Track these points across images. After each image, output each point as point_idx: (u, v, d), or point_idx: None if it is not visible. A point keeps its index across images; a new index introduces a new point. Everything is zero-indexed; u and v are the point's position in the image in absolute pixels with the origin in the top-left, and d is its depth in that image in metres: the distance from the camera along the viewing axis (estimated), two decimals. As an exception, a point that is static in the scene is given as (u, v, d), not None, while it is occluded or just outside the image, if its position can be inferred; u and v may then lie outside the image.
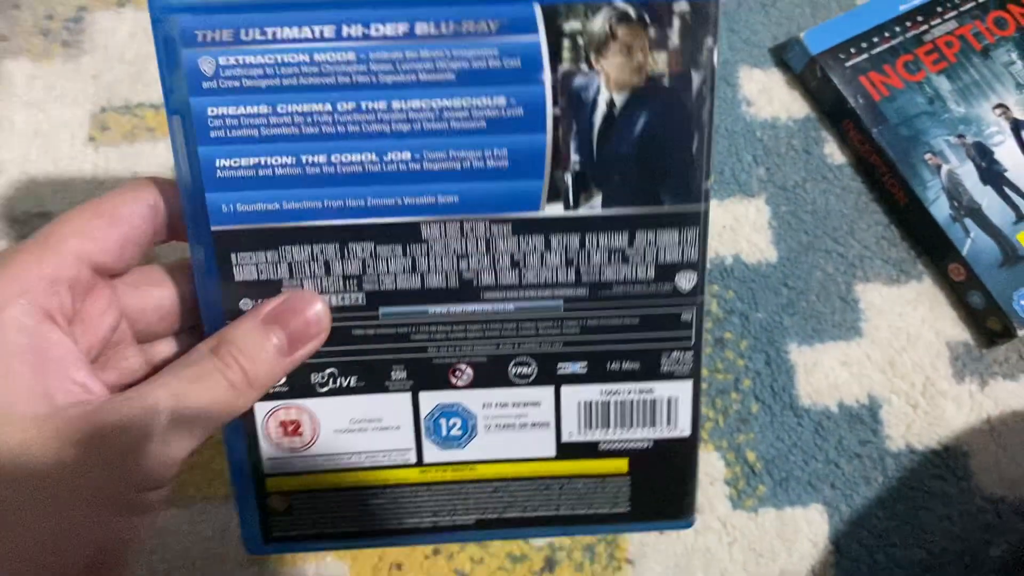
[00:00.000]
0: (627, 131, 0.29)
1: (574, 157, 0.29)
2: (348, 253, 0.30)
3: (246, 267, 0.29)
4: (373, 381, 0.31)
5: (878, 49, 0.51)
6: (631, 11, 0.28)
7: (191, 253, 0.29)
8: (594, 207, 0.29)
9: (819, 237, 0.49)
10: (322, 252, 0.29)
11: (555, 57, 0.28)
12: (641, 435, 0.32)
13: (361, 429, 0.32)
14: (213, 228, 0.29)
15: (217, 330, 0.28)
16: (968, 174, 0.48)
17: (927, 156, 0.49)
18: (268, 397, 0.31)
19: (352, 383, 0.31)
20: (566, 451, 0.32)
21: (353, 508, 0.32)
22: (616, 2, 0.28)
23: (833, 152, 0.51)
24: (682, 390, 0.32)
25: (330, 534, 0.33)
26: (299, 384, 0.31)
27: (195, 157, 0.28)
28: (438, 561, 0.43)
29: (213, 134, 0.28)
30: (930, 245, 0.49)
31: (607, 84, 0.28)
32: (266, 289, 0.30)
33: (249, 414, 0.31)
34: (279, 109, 0.28)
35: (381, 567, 0.42)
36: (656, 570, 0.43)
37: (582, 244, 0.30)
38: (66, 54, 0.49)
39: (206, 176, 0.28)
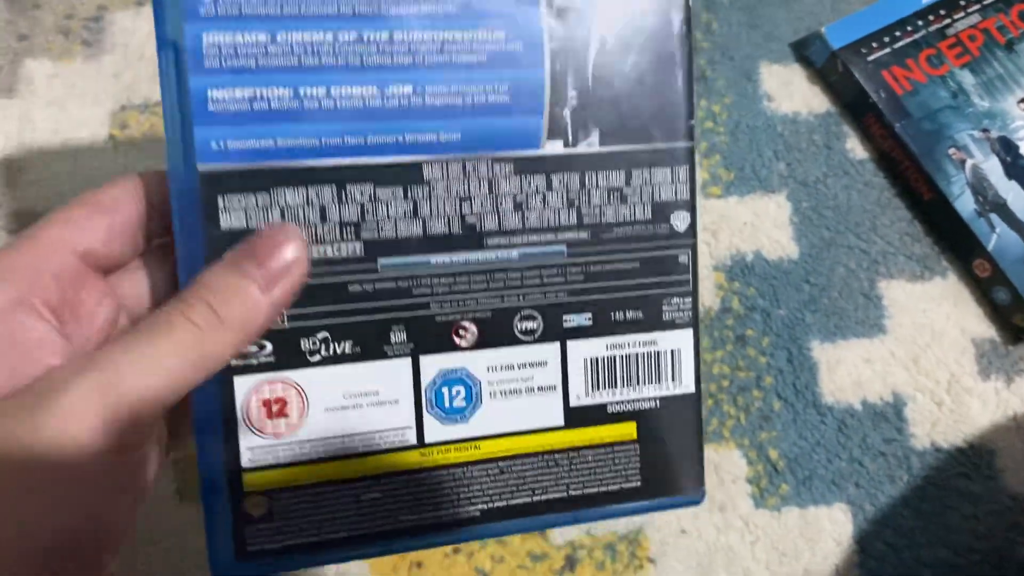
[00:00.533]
0: (618, 68, 0.30)
1: (571, 93, 0.29)
2: (346, 197, 0.28)
3: (234, 212, 0.27)
4: (371, 345, 0.29)
5: (900, 43, 0.51)
6: None
7: (171, 201, 0.27)
8: (592, 144, 0.30)
9: (841, 233, 0.49)
10: (318, 195, 0.28)
11: None
12: (648, 393, 0.31)
13: (356, 406, 0.29)
14: (200, 167, 0.27)
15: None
16: (993, 169, 0.48)
17: (951, 151, 0.48)
18: (251, 369, 0.28)
19: (347, 349, 0.28)
20: (575, 418, 0.31)
21: (344, 507, 0.29)
22: None
23: (855, 147, 0.50)
24: (684, 341, 0.31)
25: (316, 544, 0.29)
26: (287, 353, 0.28)
27: (185, 89, 0.26)
28: (458, 559, 0.42)
29: (207, 64, 0.26)
30: (954, 241, 0.48)
31: (599, 22, 0.29)
32: None
33: (227, 392, 0.28)
34: (278, 38, 0.27)
35: (401, 566, 0.42)
36: (678, 569, 0.43)
37: (582, 183, 0.30)
38: (86, 53, 0.49)
39: (196, 109, 0.26)
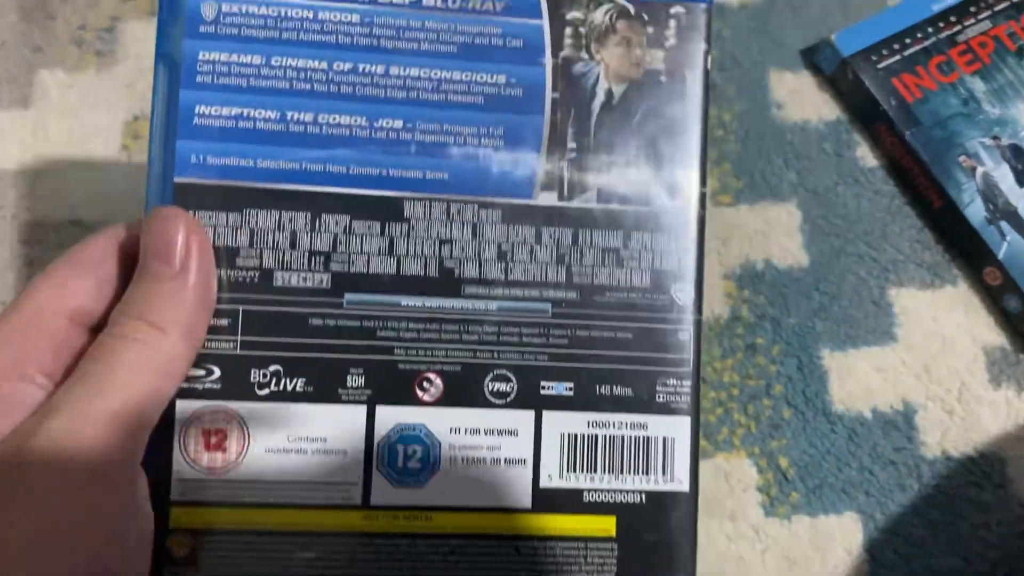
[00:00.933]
0: (624, 123, 0.28)
1: (571, 144, 0.28)
2: (319, 225, 0.27)
3: (204, 229, 0.27)
4: (325, 386, 0.27)
5: (910, 50, 0.50)
6: (631, 8, 0.28)
7: (144, 211, 0.26)
8: (589, 200, 0.28)
9: (851, 241, 0.49)
10: (291, 221, 0.27)
11: (557, 43, 0.28)
12: (632, 485, 0.28)
13: (300, 451, 0.27)
14: (176, 179, 0.26)
15: None
16: (1004, 176, 0.48)
17: (961, 158, 0.48)
18: (194, 394, 0.26)
19: (299, 387, 0.27)
20: (544, 501, 0.27)
21: (275, 561, 0.26)
22: None
23: (865, 155, 0.50)
24: (679, 430, 0.28)
25: None
26: (234, 382, 0.26)
27: (175, 101, 0.26)
28: None
29: (199, 79, 0.27)
30: (965, 249, 0.48)
31: (606, 74, 0.28)
32: (219, 258, 0.27)
33: (167, 414, 0.26)
34: (273, 61, 0.27)
35: None
36: (688, 577, 0.43)
37: (575, 240, 0.28)
38: (99, 63, 0.49)
39: (182, 122, 0.26)
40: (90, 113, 0.48)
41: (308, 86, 0.27)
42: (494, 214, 0.28)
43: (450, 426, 0.27)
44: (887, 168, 0.50)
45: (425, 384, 0.27)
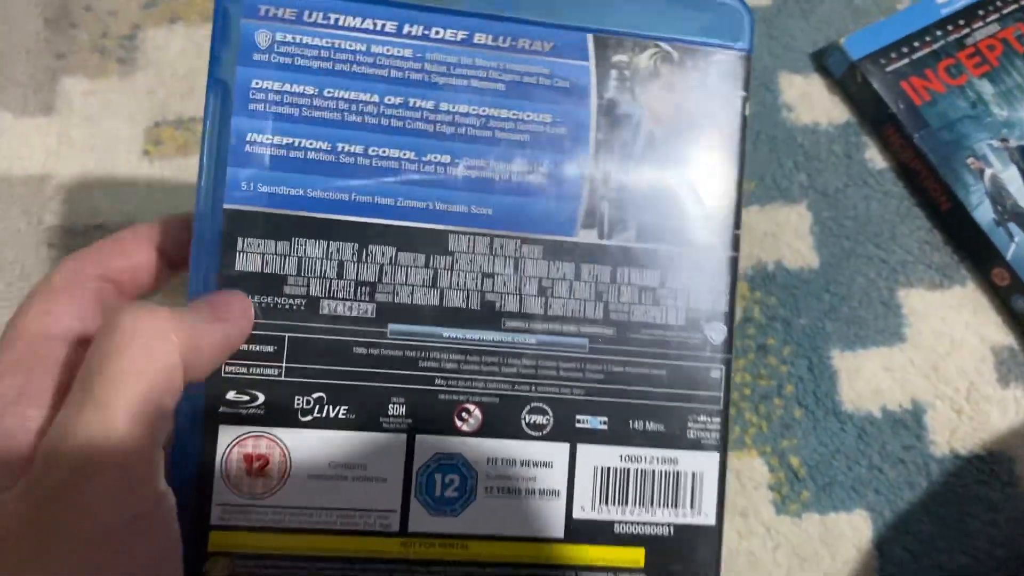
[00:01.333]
0: (665, 166, 0.29)
1: (613, 184, 0.29)
2: (366, 256, 0.27)
3: (251, 255, 0.27)
4: (367, 415, 0.27)
5: (919, 53, 0.51)
6: (674, 53, 0.29)
7: (193, 238, 0.27)
8: (628, 239, 0.29)
9: (861, 243, 0.49)
10: (338, 251, 0.27)
11: (602, 84, 0.29)
12: (661, 518, 0.29)
13: (340, 477, 0.27)
14: (226, 205, 0.27)
15: None
16: (1012, 178, 0.48)
17: (970, 160, 0.49)
18: (238, 420, 0.26)
19: (342, 414, 0.27)
20: (577, 532, 0.28)
21: None
22: (662, 43, 0.29)
23: (874, 157, 0.51)
24: (708, 465, 0.29)
25: None
26: (277, 408, 0.27)
27: (226, 127, 0.27)
28: None
29: (251, 107, 0.27)
30: (973, 250, 0.49)
31: (649, 116, 0.29)
32: (267, 285, 0.27)
33: (210, 439, 0.26)
34: (325, 92, 0.27)
35: None
36: (701, 574, 0.44)
37: (613, 278, 0.29)
38: (121, 71, 0.50)
39: (234, 149, 0.27)
40: (112, 119, 0.49)
41: (359, 118, 0.27)
42: (536, 250, 0.28)
43: (487, 457, 0.28)
44: (896, 170, 0.51)
45: (464, 415, 0.28)
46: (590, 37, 0.29)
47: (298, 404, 0.27)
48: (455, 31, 0.28)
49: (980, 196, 0.48)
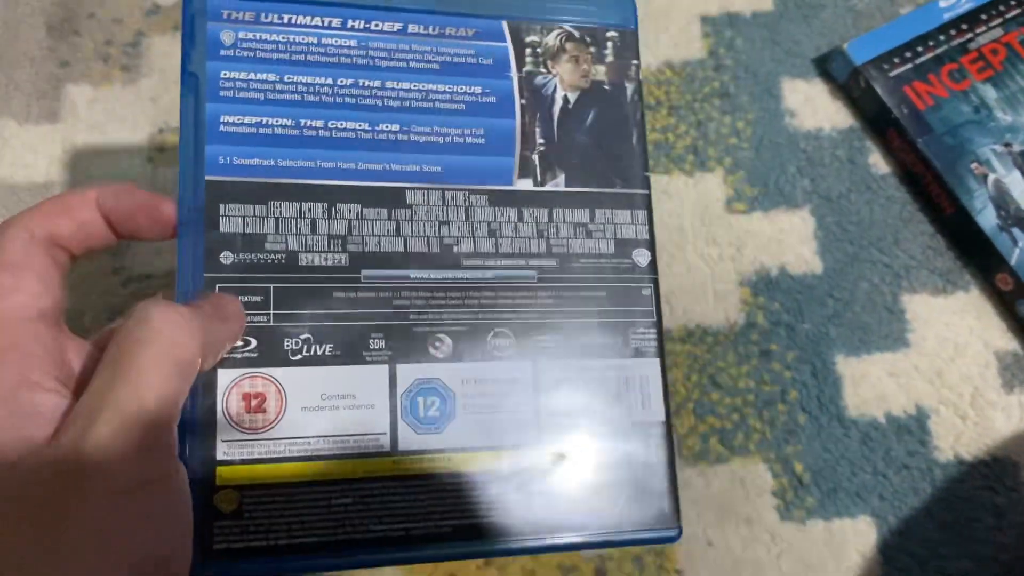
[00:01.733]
0: (579, 122, 0.34)
1: (539, 140, 0.34)
2: (335, 213, 0.31)
3: (233, 219, 0.30)
4: (350, 350, 0.30)
5: (922, 58, 0.51)
6: (575, 32, 0.35)
7: (179, 208, 0.29)
8: (558, 184, 0.34)
9: (864, 248, 0.49)
10: (310, 210, 0.31)
11: (520, 60, 0.34)
12: (631, 417, 0.32)
13: (332, 407, 0.30)
14: (207, 177, 0.30)
15: (192, 285, 0.29)
16: (1015, 183, 0.48)
17: (973, 165, 0.49)
18: (234, 364, 0.29)
19: (328, 351, 0.30)
20: (547, 438, 0.31)
21: (315, 510, 0.29)
22: (565, 25, 0.35)
23: (878, 162, 0.51)
24: (652, 370, 0.33)
25: (283, 547, 0.28)
26: (270, 350, 0.29)
27: (202, 112, 0.30)
28: (489, 572, 0.43)
29: (222, 93, 0.31)
30: (977, 255, 0.49)
31: (561, 84, 0.34)
32: (248, 243, 0.30)
33: (209, 383, 0.29)
34: (285, 79, 0.32)
35: (437, 574, 0.43)
36: (705, 580, 0.44)
37: (550, 218, 0.33)
38: (125, 78, 0.50)
39: (209, 130, 0.30)
40: (116, 127, 0.49)
41: (317, 98, 0.32)
42: (482, 199, 0.33)
43: (462, 378, 0.31)
44: (899, 175, 0.51)
45: (437, 343, 0.31)
46: (505, 23, 0.34)
47: (288, 345, 0.30)
48: (391, 23, 0.33)
49: (984, 201, 0.48)
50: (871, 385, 0.47)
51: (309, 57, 0.32)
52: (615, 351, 0.33)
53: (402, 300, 0.31)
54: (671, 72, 0.53)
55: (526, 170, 0.33)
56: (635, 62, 0.36)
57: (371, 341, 0.30)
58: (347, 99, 0.32)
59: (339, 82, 0.32)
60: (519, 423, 0.31)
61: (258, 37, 0.32)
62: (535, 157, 0.34)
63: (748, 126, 0.52)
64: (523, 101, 0.34)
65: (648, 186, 0.35)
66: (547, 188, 0.33)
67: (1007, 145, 0.49)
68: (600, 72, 0.35)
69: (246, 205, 0.30)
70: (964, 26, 0.52)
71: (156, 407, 0.23)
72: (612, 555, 0.44)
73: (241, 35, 0.31)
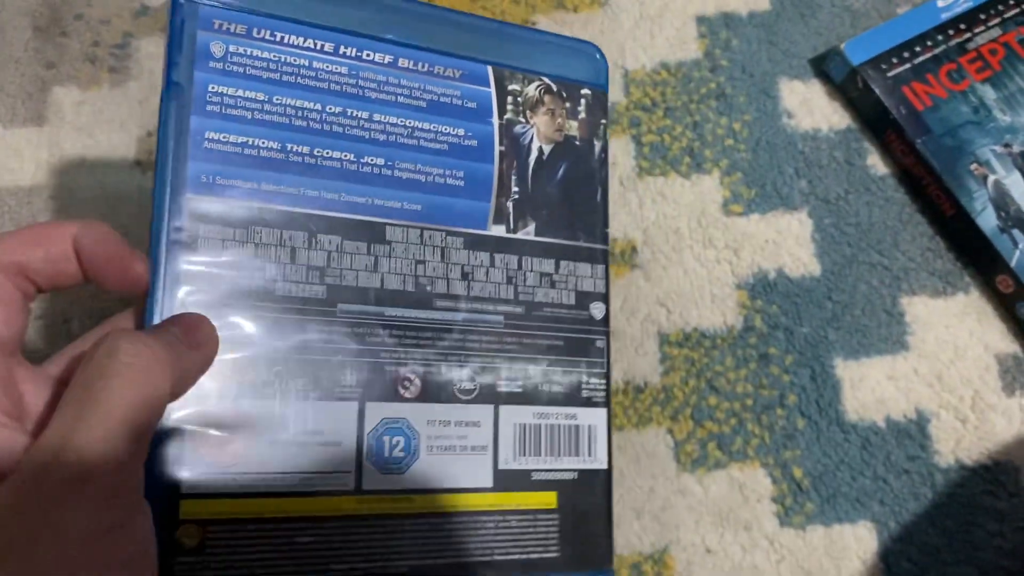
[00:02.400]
0: (552, 174, 0.35)
1: (514, 188, 0.34)
2: (315, 244, 0.30)
3: (212, 242, 0.29)
4: (321, 385, 0.30)
5: (920, 58, 0.51)
6: (554, 86, 0.36)
7: (152, 228, 0.28)
8: (529, 233, 0.34)
9: (863, 250, 0.49)
10: (291, 238, 0.30)
11: (502, 107, 0.35)
12: (568, 464, 0.34)
13: (300, 443, 0.29)
14: (188, 196, 0.29)
15: (165, 307, 0.28)
16: (1016, 184, 0.48)
17: (973, 166, 0.48)
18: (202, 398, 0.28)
19: (300, 386, 0.29)
20: (502, 480, 0.32)
21: (278, 547, 0.28)
22: (544, 78, 0.36)
23: (876, 163, 0.51)
24: (599, 419, 0.35)
25: None
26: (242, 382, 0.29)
27: (185, 126, 0.29)
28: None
29: (208, 108, 0.29)
30: (977, 257, 0.48)
31: (538, 135, 0.35)
32: (228, 267, 0.29)
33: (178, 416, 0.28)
34: (274, 100, 0.31)
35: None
36: (704, 588, 0.43)
37: (519, 265, 0.34)
38: (113, 80, 0.50)
39: (193, 145, 0.29)
40: (104, 130, 0.49)
41: (305, 123, 0.31)
42: (458, 241, 0.33)
43: (427, 419, 0.31)
44: (898, 176, 0.50)
45: (406, 383, 0.31)
46: (490, 69, 0.35)
47: (260, 377, 0.29)
48: (383, 55, 0.33)
49: (983, 202, 0.47)
50: (870, 389, 0.46)
51: (299, 79, 0.31)
52: (569, 400, 0.34)
53: (375, 337, 0.31)
54: (667, 73, 0.52)
55: (500, 216, 0.34)
56: (603, 121, 0.37)
57: (342, 377, 0.30)
58: (335, 127, 0.31)
59: (328, 108, 0.31)
60: (479, 466, 0.32)
61: (249, 52, 0.30)
62: (510, 204, 0.34)
63: (745, 127, 0.51)
64: (502, 148, 0.34)
65: (607, 242, 0.36)
66: (519, 236, 0.34)
67: (1007, 146, 0.49)
68: (572, 127, 0.36)
69: (225, 228, 0.29)
70: (962, 26, 0.51)
71: (124, 447, 0.22)
72: (609, 563, 0.43)
73: (232, 48, 0.30)
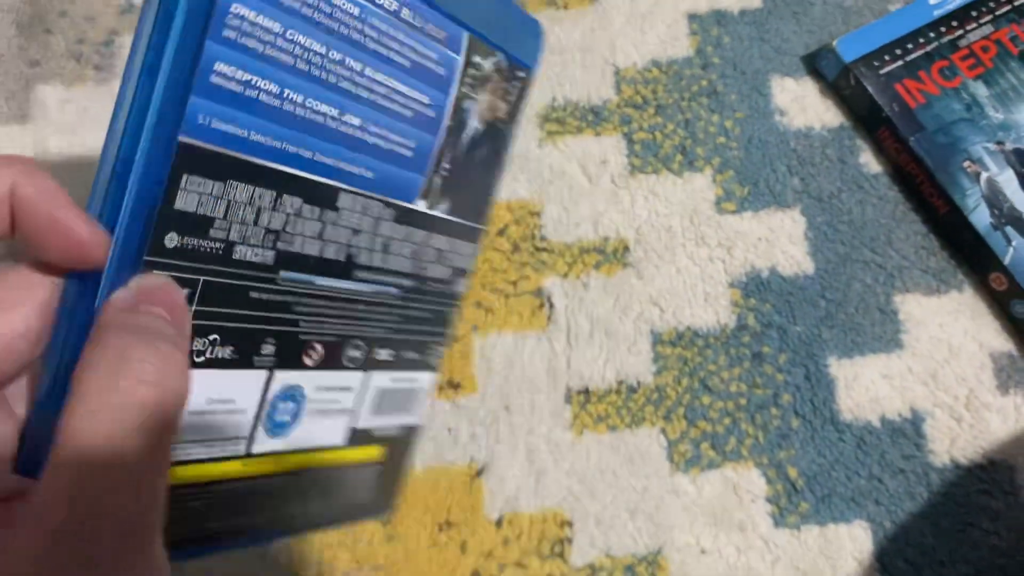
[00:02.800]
0: (476, 155, 0.35)
1: (445, 165, 0.34)
2: (279, 205, 0.28)
3: (190, 195, 0.25)
4: (245, 354, 0.29)
5: (913, 55, 0.50)
6: (504, 64, 0.34)
7: (130, 174, 0.24)
8: (443, 211, 0.34)
9: (856, 248, 0.48)
10: (260, 197, 0.27)
11: (463, 79, 0.33)
12: (399, 421, 0.36)
13: (213, 412, 0.28)
14: (181, 138, 0.24)
15: (129, 267, 0.24)
16: (1008, 181, 0.48)
17: (966, 163, 0.48)
18: None
19: (227, 354, 0.28)
20: (353, 439, 0.34)
21: (173, 510, 0.27)
22: (500, 53, 0.34)
23: (869, 161, 0.50)
24: (431, 381, 0.37)
25: None
26: None
27: (197, 51, 0.24)
28: (478, 582, 0.42)
29: (225, 33, 0.24)
30: (970, 254, 0.48)
31: (477, 114, 0.34)
32: (196, 228, 0.26)
33: None
34: (287, 34, 0.27)
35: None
36: (698, 590, 0.42)
37: (424, 241, 0.34)
38: (98, 78, 0.49)
39: (200, 76, 0.24)
40: (89, 127, 0.48)
41: (307, 67, 0.28)
42: (390, 213, 0.32)
43: (317, 385, 0.32)
44: (891, 174, 0.50)
45: (311, 352, 0.31)
46: (466, 35, 0.33)
47: (196, 346, 0.27)
48: (391, 1, 0.30)
49: (977, 200, 0.47)
50: (865, 388, 0.46)
51: (316, 14, 0.27)
52: (418, 365, 0.36)
53: (300, 307, 0.30)
54: (658, 71, 0.52)
55: (426, 191, 0.33)
56: (523, 106, 0.36)
57: (263, 346, 0.29)
58: (330, 76, 0.28)
59: (330, 55, 0.28)
60: (343, 427, 0.33)
61: None
62: (438, 180, 0.34)
63: (737, 125, 0.51)
64: (450, 123, 0.33)
65: (487, 223, 0.37)
66: (434, 212, 0.34)
67: (1000, 143, 0.48)
68: (502, 110, 0.35)
69: (207, 181, 0.25)
70: (954, 23, 0.51)
71: (156, 404, 0.22)
72: (604, 565, 0.43)
73: None
